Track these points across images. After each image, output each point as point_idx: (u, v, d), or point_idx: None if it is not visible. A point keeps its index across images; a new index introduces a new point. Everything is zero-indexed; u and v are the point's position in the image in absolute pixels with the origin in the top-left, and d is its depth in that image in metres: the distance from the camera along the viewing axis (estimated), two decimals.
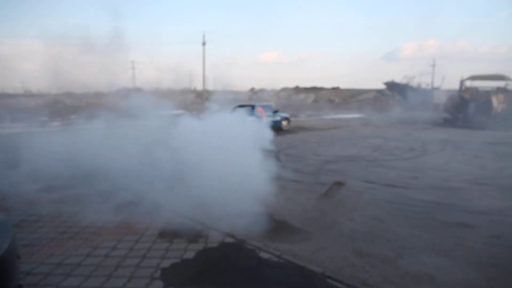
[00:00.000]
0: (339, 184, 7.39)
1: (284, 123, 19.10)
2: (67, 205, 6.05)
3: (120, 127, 10.18)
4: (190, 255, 4.30)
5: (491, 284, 3.79)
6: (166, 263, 4.09)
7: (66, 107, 23.45)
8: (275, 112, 18.90)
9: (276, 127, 17.98)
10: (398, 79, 43.91)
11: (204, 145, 6.43)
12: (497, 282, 3.83)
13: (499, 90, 25.37)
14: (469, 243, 4.78)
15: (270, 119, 17.83)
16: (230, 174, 5.93)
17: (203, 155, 6.33)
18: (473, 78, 26.50)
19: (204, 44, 47.15)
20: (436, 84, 47.59)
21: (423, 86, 44.26)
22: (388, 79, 45.19)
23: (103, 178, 7.49)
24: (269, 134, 7.36)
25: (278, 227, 5.16)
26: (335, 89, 57.32)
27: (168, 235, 4.86)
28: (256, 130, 7.21)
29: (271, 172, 6.24)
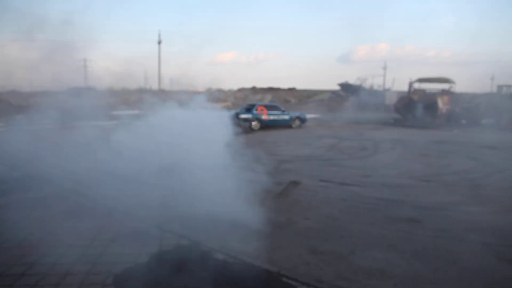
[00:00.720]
0: (294, 183, 7.50)
1: (297, 122, 19.60)
2: (11, 210, 5.71)
3: (70, 127, 9.77)
4: (144, 259, 4.20)
5: (436, 274, 4.00)
6: (118, 269, 3.97)
7: (11, 106, 22.17)
8: (283, 111, 19.47)
9: (285, 126, 19.17)
10: (352, 80, 45.38)
11: (155, 143, 6.30)
12: (441, 272, 4.05)
13: (443, 92, 26.86)
14: (416, 237, 5.02)
15: (273, 117, 18.82)
16: (186, 173, 5.86)
17: (154, 153, 6.20)
18: (421, 80, 27.87)
19: (159, 42, 46.28)
20: (387, 86, 49.60)
21: (375, 87, 46.00)
22: (342, 80, 46.60)
23: (51, 181, 7.14)
24: (226, 132, 7.33)
25: (233, 227, 5.14)
26: (291, 89, 58.15)
27: (121, 239, 4.72)
28: (211, 129, 7.15)
29: (227, 172, 6.23)
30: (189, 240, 4.69)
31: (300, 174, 8.35)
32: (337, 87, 48.21)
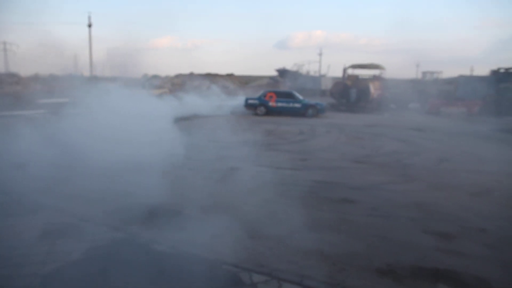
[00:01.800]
0: (233, 169, 7.48)
1: (311, 110, 19.12)
2: None
3: None
4: (76, 256, 3.95)
5: (370, 250, 4.21)
6: (47, 269, 3.69)
7: None
8: (297, 99, 19.35)
9: (297, 114, 19.00)
10: (289, 66, 46.21)
11: (86, 135, 5.96)
12: (374, 248, 4.26)
13: (375, 77, 28.24)
14: (352, 216, 5.23)
15: (281, 104, 19.08)
16: (119, 164, 5.60)
17: (85, 145, 5.86)
18: (354, 66, 29.01)
19: (90, 26, 43.64)
20: (323, 72, 51.16)
21: (312, 73, 47.27)
22: (280, 66, 47.29)
23: None
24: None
25: (173, 217, 5.02)
26: (230, 75, 57.95)
27: (50, 236, 4.40)
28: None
29: (164, 161, 6.05)
30: (125, 233, 4.50)
31: (239, 160, 8.34)
32: (275, 73, 48.86)
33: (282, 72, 46.18)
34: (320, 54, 63.04)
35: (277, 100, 18.99)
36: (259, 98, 19.49)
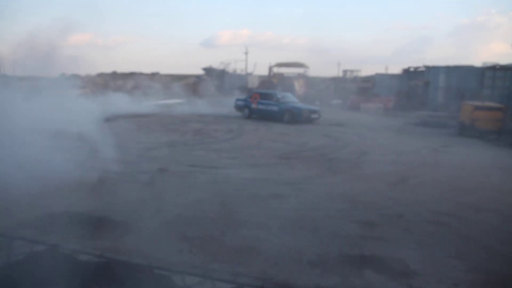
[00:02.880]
0: (161, 170, 7.26)
1: (287, 116, 15.83)
2: None
3: None
4: None
5: (300, 243, 4.32)
6: None
7: None
8: (276, 100, 16.44)
9: (274, 119, 16.04)
10: (216, 65, 45.94)
11: None
12: (304, 241, 4.39)
13: (299, 76, 29.27)
14: (281, 211, 5.34)
15: (261, 107, 16.75)
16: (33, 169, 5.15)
17: None
18: (279, 65, 29.79)
19: None
20: (249, 70, 51.67)
21: (238, 71, 47.51)
22: (207, 65, 46.82)
23: None
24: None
25: (97, 224, 4.72)
26: (155, 74, 56.26)
27: None
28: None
29: (84, 165, 5.68)
30: (45, 245, 4.13)
31: (167, 161, 8.12)
32: (202, 72, 48.34)
33: (209, 71, 45.79)
34: (246, 53, 63.32)
35: (258, 102, 16.91)
36: (245, 99, 17.86)
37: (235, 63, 45.35)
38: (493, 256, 4.24)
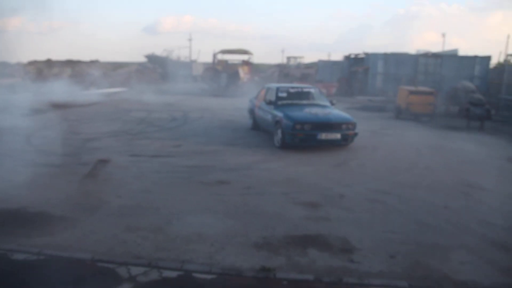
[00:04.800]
0: (103, 161, 7.00)
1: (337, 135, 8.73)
2: None
3: None
4: None
5: (247, 227, 4.39)
6: None
7: None
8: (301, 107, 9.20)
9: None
10: (159, 52, 44.63)
11: None
12: (250, 225, 4.46)
13: (244, 62, 29.25)
14: (227, 197, 5.38)
15: (261, 113, 10.13)
16: None
17: None
18: (223, 52, 29.56)
19: None
20: (193, 57, 50.82)
21: (182, 59, 46.55)
22: (149, 52, 45.34)
23: None
24: None
25: (34, 220, 4.48)
26: (94, 62, 53.59)
27: None
28: None
29: (18, 159, 5.35)
30: None
31: (109, 151, 7.83)
32: (144, 59, 46.78)
33: (152, 58, 44.40)
34: (190, 40, 62.30)
35: (260, 105, 10.29)
36: (251, 100, 11.55)
37: (179, 50, 44.31)
38: (423, 228, 4.58)
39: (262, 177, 6.42)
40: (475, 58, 25.01)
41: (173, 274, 3.44)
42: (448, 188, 6.22)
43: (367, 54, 27.02)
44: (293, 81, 27.49)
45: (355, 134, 8.70)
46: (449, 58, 25.22)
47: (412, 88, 16.31)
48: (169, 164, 7.04)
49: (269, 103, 9.49)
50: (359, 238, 4.22)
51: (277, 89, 9.88)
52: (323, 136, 8.23)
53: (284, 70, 32.70)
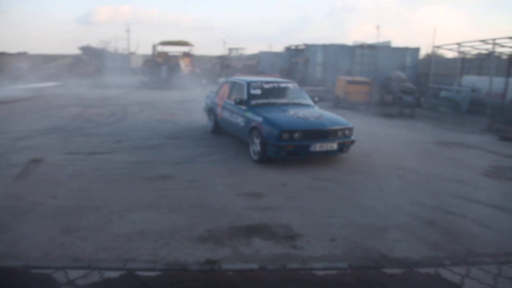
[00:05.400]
0: (35, 161, 6.58)
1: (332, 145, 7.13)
2: None
3: None
4: None
5: (191, 221, 4.35)
6: None
7: None
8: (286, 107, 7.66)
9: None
10: (95, 43, 42.54)
11: None
12: (195, 218, 4.43)
13: (185, 54, 28.71)
14: (171, 191, 5.29)
15: (227, 115, 8.37)
16: None
17: None
18: (163, 43, 28.78)
19: None
20: (132, 49, 49.06)
21: (120, 51, 44.76)
22: (84, 43, 43.06)
23: None
24: None
25: None
26: (22, 54, 49.86)
27: None
28: None
29: None
30: None
31: (42, 150, 7.37)
32: (79, 51, 44.36)
33: (87, 50, 42.19)
34: (128, 31, 60.28)
35: (225, 104, 8.63)
36: (209, 97, 9.97)
37: (116, 41, 42.57)
38: (361, 211, 4.82)
39: (206, 169, 6.39)
40: (406, 49, 26.57)
41: (115, 274, 3.33)
42: (383, 172, 6.59)
43: (307, 45, 27.68)
44: (234, 73, 27.48)
45: (352, 142, 7.16)
46: (383, 49, 26.58)
47: (350, 78, 17.01)
48: (108, 161, 6.77)
49: (239, 102, 7.68)
50: (302, 224, 4.36)
51: (248, 85, 7.97)
52: (317, 147, 6.63)
53: (225, 62, 32.56)
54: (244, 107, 7.62)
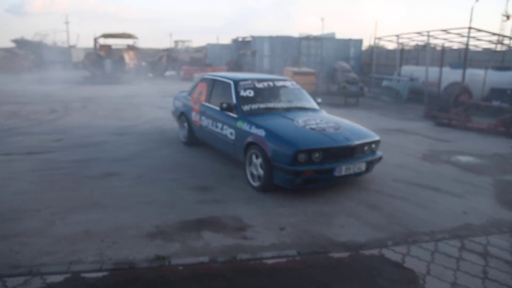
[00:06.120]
0: None
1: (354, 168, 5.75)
2: None
3: None
4: None
5: (139, 218, 4.25)
6: None
7: None
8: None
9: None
10: (30, 36, 39.95)
11: None
12: (143, 215, 4.33)
13: (129, 47, 27.72)
14: (116, 189, 5.14)
15: (207, 122, 6.61)
16: None
17: None
18: (106, 36, 27.58)
19: None
20: (72, 42, 46.62)
21: (59, 44, 42.39)
22: (18, 36, 40.29)
23: None
24: None
25: None
26: None
27: None
28: None
29: None
30: None
31: None
32: (12, 44, 41.47)
33: (21, 43, 39.51)
34: (67, 22, 56.89)
35: (202, 108, 6.87)
36: (179, 98, 8.13)
37: (54, 34, 40.28)
38: (309, 198, 4.94)
39: (153, 165, 6.26)
40: (349, 40, 27.43)
41: (59, 278, 3.19)
42: None
43: (253, 37, 27.75)
44: (181, 66, 27.02)
45: (380, 159, 5.68)
46: (328, 41, 27.24)
47: (296, 69, 17.30)
48: (49, 161, 6.43)
49: (226, 108, 5.83)
50: (251, 215, 4.40)
51: (236, 85, 6.12)
52: (343, 170, 4.96)
53: (172, 55, 31.92)
54: (233, 115, 5.82)
